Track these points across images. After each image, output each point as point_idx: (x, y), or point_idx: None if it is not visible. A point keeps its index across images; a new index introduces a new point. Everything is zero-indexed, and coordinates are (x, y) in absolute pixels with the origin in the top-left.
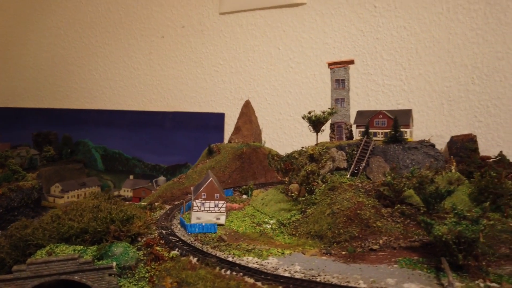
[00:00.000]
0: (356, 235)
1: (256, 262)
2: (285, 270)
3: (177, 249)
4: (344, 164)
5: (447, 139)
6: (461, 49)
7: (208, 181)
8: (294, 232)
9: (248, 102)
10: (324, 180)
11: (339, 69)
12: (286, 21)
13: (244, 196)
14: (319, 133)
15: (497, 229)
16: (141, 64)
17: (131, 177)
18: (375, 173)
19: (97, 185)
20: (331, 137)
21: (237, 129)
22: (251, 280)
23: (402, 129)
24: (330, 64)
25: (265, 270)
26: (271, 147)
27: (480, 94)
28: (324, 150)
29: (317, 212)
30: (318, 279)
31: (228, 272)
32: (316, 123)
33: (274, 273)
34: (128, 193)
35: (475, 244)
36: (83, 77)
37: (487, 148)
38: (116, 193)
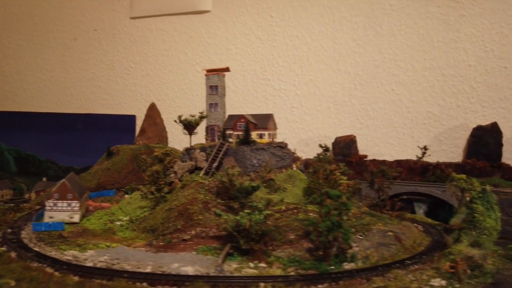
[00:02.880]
0: (180, 227)
1: (72, 255)
2: (92, 261)
3: (5, 245)
4: (204, 164)
5: (333, 140)
6: (345, 57)
7: (60, 182)
8: (135, 228)
9: (153, 104)
10: (181, 179)
11: (213, 76)
12: (193, 27)
13: (126, 196)
14: (193, 135)
15: (296, 219)
16: (55, 66)
17: (44, 179)
18: None
19: (9, 187)
20: (206, 139)
21: (142, 131)
22: (51, 270)
23: (261, 132)
24: (207, 71)
25: (75, 262)
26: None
27: (361, 98)
28: (170, 151)
29: (160, 208)
30: (114, 267)
31: (36, 264)
32: (188, 126)
33: (77, 263)
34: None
35: (250, 231)
36: None
37: (367, 148)
38: (27, 195)
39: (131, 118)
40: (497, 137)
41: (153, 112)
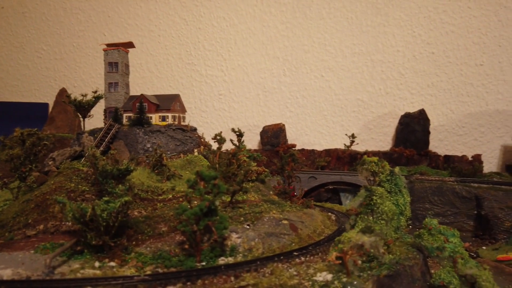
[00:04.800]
0: (30, 222)
1: None
2: None
3: None
4: None
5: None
6: (273, 41)
7: None
8: None
9: (63, 90)
10: (58, 166)
11: (113, 52)
12: (112, 6)
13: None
14: (89, 118)
15: (174, 208)
16: None
17: None
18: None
19: None
20: (104, 123)
21: (50, 120)
22: None
23: (164, 114)
24: (107, 45)
25: None
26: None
27: (290, 85)
28: (36, 131)
29: (19, 200)
30: None
31: None
32: (79, 108)
33: None
34: None
35: (99, 222)
36: None
37: (297, 137)
38: None
39: (44, 106)
40: (424, 125)
41: (63, 98)
